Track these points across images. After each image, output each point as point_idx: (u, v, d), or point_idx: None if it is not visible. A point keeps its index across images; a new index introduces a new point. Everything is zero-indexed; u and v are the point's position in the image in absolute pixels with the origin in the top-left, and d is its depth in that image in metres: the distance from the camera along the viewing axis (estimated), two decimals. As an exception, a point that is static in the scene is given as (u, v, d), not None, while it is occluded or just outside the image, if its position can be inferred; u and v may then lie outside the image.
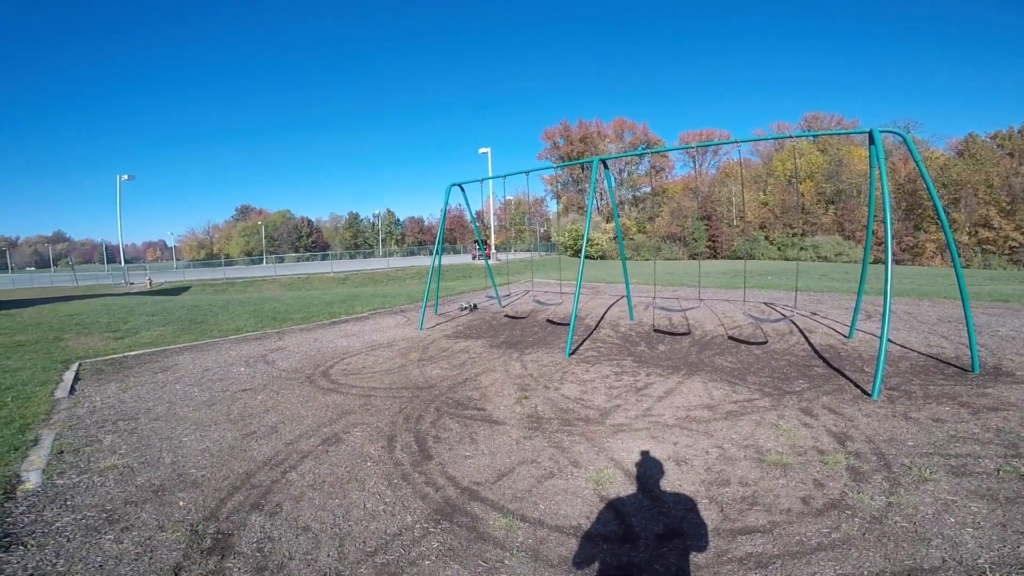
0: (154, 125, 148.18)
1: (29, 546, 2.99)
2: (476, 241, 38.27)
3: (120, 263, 42.45)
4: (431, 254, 50.30)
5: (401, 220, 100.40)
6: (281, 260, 66.77)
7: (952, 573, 2.61)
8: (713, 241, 57.22)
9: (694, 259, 50.96)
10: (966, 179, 46.40)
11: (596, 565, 2.82)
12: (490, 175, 12.46)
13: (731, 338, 8.36)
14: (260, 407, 5.63)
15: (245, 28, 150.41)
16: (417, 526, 3.23)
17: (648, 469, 3.91)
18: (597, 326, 9.78)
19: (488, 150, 41.11)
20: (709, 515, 3.26)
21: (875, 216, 7.35)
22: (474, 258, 40.52)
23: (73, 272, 50.07)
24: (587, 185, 71.10)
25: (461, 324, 10.65)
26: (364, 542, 3.06)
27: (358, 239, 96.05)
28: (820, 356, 7.18)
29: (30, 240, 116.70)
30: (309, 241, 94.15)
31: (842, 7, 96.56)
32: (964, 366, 6.33)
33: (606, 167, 9.08)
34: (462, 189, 11.03)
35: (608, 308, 11.74)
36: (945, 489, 3.43)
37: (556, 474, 3.88)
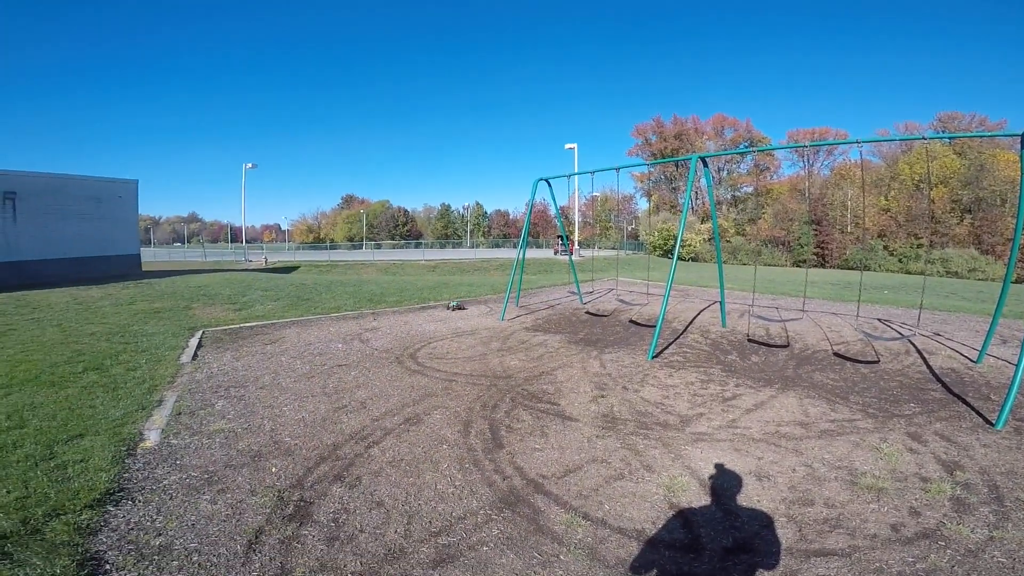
0: (276, 118, 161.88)
1: (136, 501, 3.37)
2: (559, 236, 38.48)
3: (241, 243, 47.14)
4: (515, 247, 50.36)
5: (488, 213, 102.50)
6: (379, 246, 70.81)
7: None
8: (822, 248, 52.64)
9: (799, 266, 47.17)
10: None
11: (654, 571, 2.75)
12: (575, 171, 12.35)
13: (836, 354, 7.68)
14: (352, 383, 6.05)
15: (345, 28, 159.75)
16: (481, 512, 3.31)
17: (725, 481, 3.74)
18: (685, 331, 9.41)
19: (575, 146, 40.72)
20: (785, 534, 3.07)
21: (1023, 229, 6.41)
22: (556, 253, 40.50)
23: (203, 249, 56.35)
24: (680, 183, 68.14)
25: (540, 318, 10.71)
26: (430, 522, 3.19)
27: (448, 229, 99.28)
28: (939, 380, 6.42)
29: (170, 220, 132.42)
30: (404, 230, 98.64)
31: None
32: (1124, 407, 5.37)
33: (705, 165, 8.67)
34: (548, 184, 11.06)
35: (698, 313, 11.23)
36: None
37: (626, 476, 3.82)
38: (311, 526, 3.13)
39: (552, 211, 12.39)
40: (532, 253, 41.21)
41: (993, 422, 4.83)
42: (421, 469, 3.89)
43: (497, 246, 68.90)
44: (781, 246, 53.76)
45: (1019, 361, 4.85)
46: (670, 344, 8.34)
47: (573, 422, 4.91)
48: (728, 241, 54.88)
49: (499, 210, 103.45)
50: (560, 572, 2.74)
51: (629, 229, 70.54)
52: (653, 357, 7.37)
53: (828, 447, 4.36)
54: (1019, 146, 5.71)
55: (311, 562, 2.77)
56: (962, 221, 48.68)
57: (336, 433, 4.54)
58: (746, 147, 59.08)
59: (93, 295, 13.21)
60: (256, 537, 2.98)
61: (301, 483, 3.65)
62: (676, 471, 3.90)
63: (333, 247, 67.57)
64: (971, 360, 7.27)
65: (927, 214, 48.50)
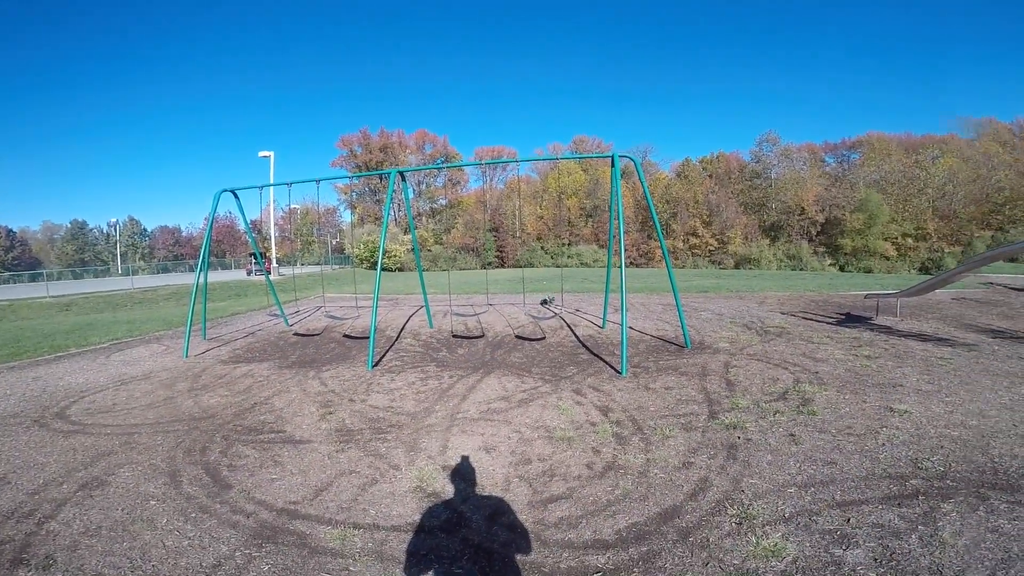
0: None
1: None
2: (252, 254, 34.60)
3: None
4: (191, 270, 43.02)
5: (149, 230, 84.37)
6: (-42, 284, 50.08)
7: (691, 503, 3.54)
8: (500, 251, 61.95)
9: (484, 268, 54.29)
10: (681, 196, 59.22)
11: (441, 552, 3.07)
12: (272, 181, 11.65)
13: (517, 337, 9.48)
14: (-29, 463, 4.46)
15: None
16: (237, 554, 3.08)
17: (464, 461, 4.33)
18: (399, 336, 9.99)
19: (271, 154, 37.78)
20: (522, 491, 3.80)
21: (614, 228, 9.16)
22: (249, 273, 36.42)
23: None
24: (384, 195, 70.08)
25: (240, 347, 9.69)
26: (179, 581, 2.81)
27: (86, 253, 77.71)
28: (583, 344, 8.70)
29: None
30: (9, 258, 72.77)
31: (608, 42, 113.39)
32: (681, 344, 8.34)
33: (404, 179, 9.36)
34: (235, 195, 10.08)
35: (408, 319, 12.03)
36: (682, 443, 4.50)
37: (379, 480, 4.02)
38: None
39: (242, 226, 10.96)
40: (219, 276, 35.89)
41: (620, 371, 6.84)
42: (134, 531, 3.31)
43: (166, 270, 56.56)
44: (471, 252, 60.92)
45: (622, 324, 7.02)
46: (387, 351, 8.78)
47: (307, 443, 4.82)
48: (428, 250, 59.25)
49: (165, 227, 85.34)
50: (361, 580, 2.81)
51: (334, 243, 68.60)
52: (373, 366, 7.66)
53: (526, 413, 5.47)
54: (609, 164, 8.11)
55: None
56: (587, 224, 64.06)
57: (-24, 522, 3.39)
58: (440, 162, 64.88)
59: None
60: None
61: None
62: (422, 463, 4.31)
63: None
64: (599, 326, 10.06)
65: (565, 219, 62.20)
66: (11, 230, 76.76)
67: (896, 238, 51.42)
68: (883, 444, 4.24)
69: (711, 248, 57.83)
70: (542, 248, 61.06)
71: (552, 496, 3.70)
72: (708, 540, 3.07)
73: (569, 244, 60.15)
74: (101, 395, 6.62)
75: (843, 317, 10.29)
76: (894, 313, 10.11)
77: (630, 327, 9.76)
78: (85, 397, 6.54)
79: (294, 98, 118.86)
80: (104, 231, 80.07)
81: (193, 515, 3.53)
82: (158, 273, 53.07)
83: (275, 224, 45.28)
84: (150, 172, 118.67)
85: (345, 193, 72.65)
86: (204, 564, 2.98)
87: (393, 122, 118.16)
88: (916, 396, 5.42)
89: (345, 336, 10.22)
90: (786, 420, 4.93)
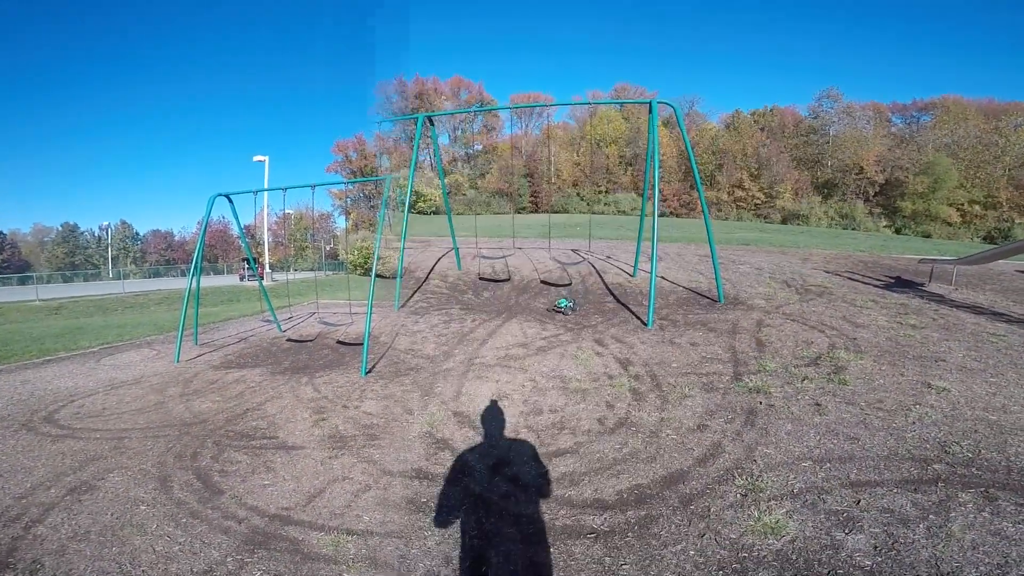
0: None
1: None
2: (246, 259, 35.05)
3: None
4: (184, 274, 44.10)
5: (141, 234, 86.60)
6: (-58, 290, 52.16)
7: (698, 469, 3.62)
8: (535, 197, 63.31)
9: (519, 213, 55.71)
10: (729, 148, 59.44)
11: (440, 505, 3.33)
12: (266, 186, 11.86)
13: (543, 282, 9.91)
14: (-46, 466, 4.78)
15: None
16: (229, 560, 3.23)
17: (476, 407, 4.56)
18: (427, 278, 10.59)
19: (265, 158, 38.21)
20: (529, 440, 3.98)
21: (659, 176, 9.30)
22: (242, 279, 37.23)
23: None
24: (378, 202, 72.06)
25: (232, 353, 9.84)
26: (170, 588, 2.97)
27: (76, 257, 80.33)
28: (611, 292, 8.99)
29: None
30: (-1, 260, 75.62)
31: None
32: (714, 297, 8.34)
33: (432, 124, 9.50)
34: (230, 200, 10.20)
35: (438, 260, 12.76)
36: (700, 404, 4.53)
37: (372, 486, 4.15)
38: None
39: (235, 231, 11.40)
40: (212, 281, 36.74)
41: (646, 323, 6.93)
42: (123, 536, 3.51)
43: (157, 275, 57.95)
44: (505, 196, 62.37)
45: (651, 274, 7.04)
46: (415, 292, 9.42)
47: (300, 450, 4.96)
48: (463, 195, 62.01)
49: (157, 231, 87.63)
50: (351, 588, 2.95)
51: (328, 249, 70.29)
52: (367, 373, 7.79)
53: (544, 361, 5.70)
54: (648, 111, 8.18)
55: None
56: (627, 172, 64.11)
57: (-39, 527, 3.67)
58: (473, 108, 66.74)
59: None
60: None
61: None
62: (433, 408, 4.65)
63: None
64: (630, 275, 10.29)
65: (603, 167, 62.64)
66: (1, 232, 79.82)
67: (962, 204, 51.15)
68: (913, 423, 4.18)
69: (757, 202, 58.18)
70: (578, 195, 62.12)
71: (558, 450, 3.86)
72: (709, 510, 3.14)
73: (606, 191, 61.04)
74: (91, 399, 6.91)
75: (892, 281, 10.06)
76: (949, 281, 9.81)
77: (663, 277, 9.91)
78: (74, 401, 6.84)
79: (290, 102, 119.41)
80: (95, 234, 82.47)
81: (184, 520, 3.72)
82: (150, 277, 54.60)
83: (269, 229, 46.01)
84: (143, 175, 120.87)
85: (340, 199, 74.58)
86: (195, 570, 3.14)
87: (427, 69, 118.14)
88: (958, 373, 5.26)
89: (339, 342, 10.32)
90: (814, 388, 4.90)
